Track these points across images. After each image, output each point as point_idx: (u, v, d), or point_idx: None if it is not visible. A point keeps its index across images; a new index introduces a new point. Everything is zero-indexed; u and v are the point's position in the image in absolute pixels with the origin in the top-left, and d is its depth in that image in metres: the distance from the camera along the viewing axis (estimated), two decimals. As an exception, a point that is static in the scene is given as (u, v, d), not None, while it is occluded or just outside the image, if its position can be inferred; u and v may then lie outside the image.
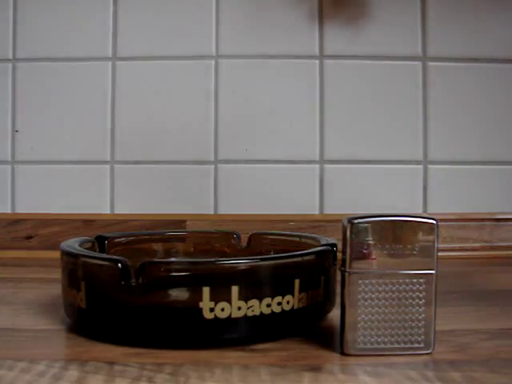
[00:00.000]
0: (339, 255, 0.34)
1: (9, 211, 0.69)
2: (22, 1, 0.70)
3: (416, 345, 0.32)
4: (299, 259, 0.35)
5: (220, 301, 0.32)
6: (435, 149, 0.69)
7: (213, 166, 0.69)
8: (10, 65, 0.70)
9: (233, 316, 0.32)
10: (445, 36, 0.69)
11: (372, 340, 0.31)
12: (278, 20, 0.69)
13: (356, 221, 0.31)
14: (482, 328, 0.37)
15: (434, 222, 0.31)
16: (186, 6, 0.70)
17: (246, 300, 0.32)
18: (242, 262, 0.33)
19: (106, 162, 0.69)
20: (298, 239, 0.43)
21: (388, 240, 0.31)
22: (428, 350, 0.32)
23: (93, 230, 0.66)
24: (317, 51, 0.69)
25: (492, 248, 0.67)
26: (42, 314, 0.40)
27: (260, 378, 0.29)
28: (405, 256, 0.31)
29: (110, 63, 0.70)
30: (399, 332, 0.31)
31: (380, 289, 0.31)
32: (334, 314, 0.37)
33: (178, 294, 0.33)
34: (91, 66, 0.70)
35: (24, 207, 0.69)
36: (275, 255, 0.42)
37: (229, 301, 0.32)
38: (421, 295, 0.31)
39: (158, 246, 0.45)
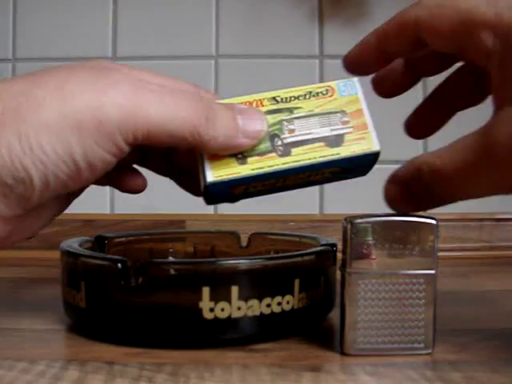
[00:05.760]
0: (339, 255, 0.34)
1: (9, 211, 0.69)
2: (21, 1, 0.70)
3: (416, 345, 0.31)
4: (299, 259, 0.35)
5: (220, 301, 0.32)
6: (435, 147, 0.69)
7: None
8: (9, 65, 0.70)
9: (233, 316, 0.32)
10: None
11: (372, 340, 0.31)
12: (278, 20, 0.69)
13: (356, 221, 0.31)
14: (481, 328, 0.37)
15: (434, 222, 0.31)
16: (186, 6, 0.70)
17: (246, 300, 0.32)
18: (241, 262, 0.33)
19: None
20: (297, 239, 0.43)
21: (388, 240, 0.31)
22: (428, 350, 0.32)
23: (93, 230, 0.66)
24: (317, 51, 0.69)
25: (492, 248, 0.67)
26: (42, 314, 0.40)
27: (260, 377, 0.29)
28: (405, 256, 0.31)
29: (109, 63, 0.69)
30: (399, 332, 0.31)
31: (380, 289, 0.31)
32: (334, 314, 0.37)
33: (178, 294, 0.33)
34: (91, 66, 0.69)
35: (24, 207, 0.69)
36: (275, 255, 0.42)
37: (229, 301, 0.32)
38: (421, 295, 0.31)
39: (158, 246, 0.45)
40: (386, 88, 0.36)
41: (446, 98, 0.37)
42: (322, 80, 0.69)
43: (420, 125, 0.38)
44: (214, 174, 0.32)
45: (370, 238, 0.31)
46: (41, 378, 0.28)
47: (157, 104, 0.28)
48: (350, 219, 0.31)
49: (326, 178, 0.35)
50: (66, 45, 0.69)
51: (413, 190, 0.31)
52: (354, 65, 0.35)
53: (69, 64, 0.30)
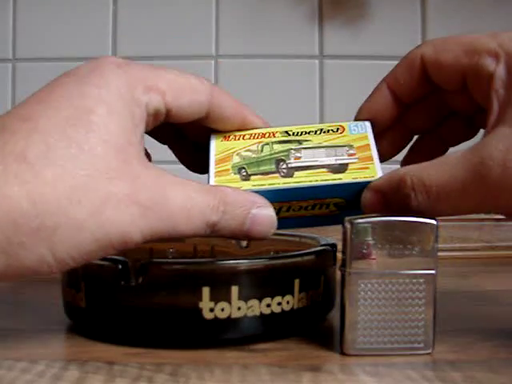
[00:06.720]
0: (339, 255, 0.34)
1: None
2: (21, 1, 0.70)
3: (416, 345, 0.31)
4: (299, 259, 0.35)
5: (220, 301, 0.32)
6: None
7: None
8: (9, 65, 0.70)
9: (233, 316, 0.32)
10: (445, 36, 0.69)
11: (372, 340, 0.31)
12: (278, 20, 0.69)
13: (356, 221, 0.31)
14: (482, 328, 0.37)
15: (434, 222, 0.31)
16: (186, 6, 0.70)
17: (246, 300, 0.32)
18: (241, 262, 0.33)
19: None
20: (297, 239, 0.43)
21: (388, 240, 0.31)
22: (428, 350, 0.32)
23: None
24: (317, 51, 0.69)
25: (492, 248, 0.67)
26: (42, 314, 0.40)
27: (260, 377, 0.29)
28: (405, 256, 0.31)
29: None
30: (399, 332, 0.31)
31: (380, 289, 0.31)
32: (334, 314, 0.37)
33: (178, 294, 0.33)
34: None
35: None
36: (275, 255, 0.42)
37: (229, 301, 0.32)
38: (421, 295, 0.31)
39: (157, 246, 0.45)
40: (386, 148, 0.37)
41: (439, 137, 0.38)
42: (321, 80, 0.69)
43: (415, 162, 0.39)
44: (216, 181, 0.33)
45: (370, 238, 0.31)
46: (41, 378, 0.28)
47: (171, 230, 0.29)
48: (350, 219, 0.31)
49: (332, 215, 0.35)
50: (66, 45, 0.69)
51: (390, 199, 0.31)
52: (369, 114, 0.36)
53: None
